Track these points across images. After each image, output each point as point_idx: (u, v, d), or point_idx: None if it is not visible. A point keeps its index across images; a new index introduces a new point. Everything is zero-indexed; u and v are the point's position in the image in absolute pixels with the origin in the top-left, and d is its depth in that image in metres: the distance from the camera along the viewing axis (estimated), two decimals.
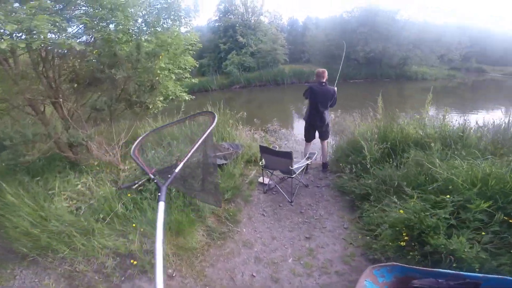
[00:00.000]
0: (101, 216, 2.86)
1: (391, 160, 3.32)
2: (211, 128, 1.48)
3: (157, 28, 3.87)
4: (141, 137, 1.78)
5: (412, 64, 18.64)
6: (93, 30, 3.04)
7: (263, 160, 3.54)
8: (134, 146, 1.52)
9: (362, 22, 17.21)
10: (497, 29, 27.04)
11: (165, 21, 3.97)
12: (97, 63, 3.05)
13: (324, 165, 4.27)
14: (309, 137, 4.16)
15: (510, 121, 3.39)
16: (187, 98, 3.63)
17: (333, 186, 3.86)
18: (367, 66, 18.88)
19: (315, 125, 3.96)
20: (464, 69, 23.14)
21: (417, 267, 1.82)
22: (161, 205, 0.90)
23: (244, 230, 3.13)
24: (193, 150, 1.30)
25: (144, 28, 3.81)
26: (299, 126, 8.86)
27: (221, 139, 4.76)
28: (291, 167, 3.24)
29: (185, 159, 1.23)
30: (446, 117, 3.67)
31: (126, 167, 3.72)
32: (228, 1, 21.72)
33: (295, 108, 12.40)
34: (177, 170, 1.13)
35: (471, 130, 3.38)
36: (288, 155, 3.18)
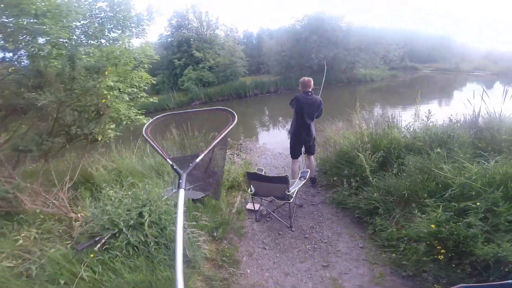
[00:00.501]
0: (62, 282, 1.98)
1: (388, 168, 3.10)
2: (232, 125, 1.41)
3: (101, 40, 3.08)
4: (154, 118, 1.56)
5: (359, 68, 20.22)
6: (17, 43, 2.23)
7: (251, 187, 2.98)
8: (146, 125, 1.34)
9: (312, 30, 18.08)
10: (423, 29, 31.59)
11: (111, 31, 3.20)
12: (15, 84, 2.17)
13: (313, 180, 3.91)
14: (296, 154, 3.74)
15: (476, 113, 3.41)
16: (145, 121, 2.88)
17: (329, 202, 3.50)
18: (321, 73, 19.70)
19: (302, 140, 3.58)
20: (401, 68, 26.13)
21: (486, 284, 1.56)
22: (181, 192, 0.89)
23: (249, 271, 2.54)
24: (215, 142, 1.27)
25: (83, 40, 2.99)
26: (271, 138, 8.54)
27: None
28: (288, 191, 2.76)
29: (207, 151, 1.18)
30: (429, 117, 3.60)
31: (79, 215, 2.80)
32: (181, 16, 21.09)
33: (259, 121, 12.15)
34: (198, 159, 1.07)
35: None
36: (283, 180, 2.69)
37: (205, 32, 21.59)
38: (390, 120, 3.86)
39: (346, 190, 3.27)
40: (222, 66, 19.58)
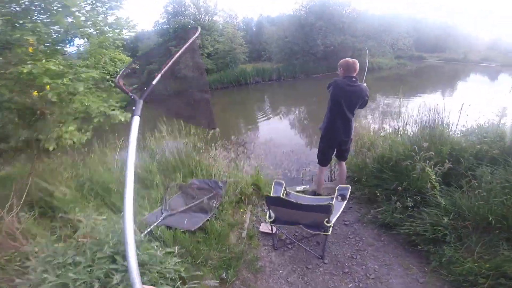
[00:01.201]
0: None
1: (452, 183, 2.32)
2: (194, 37, 1.03)
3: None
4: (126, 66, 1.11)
5: (366, 56, 19.10)
6: None
7: (270, 213, 2.16)
8: (119, 75, 0.97)
9: (317, 16, 16.99)
10: (429, 18, 30.35)
11: None
12: None
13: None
14: (326, 159, 2.91)
15: None
16: (122, 119, 2.03)
17: (368, 222, 2.71)
18: (326, 60, 18.86)
19: (337, 140, 2.73)
20: (407, 57, 25.09)
21: None
22: (136, 119, 0.76)
23: None
24: (173, 60, 0.96)
25: None
26: (279, 132, 7.53)
27: (190, 174, 3.23)
28: (328, 222, 1.95)
29: (163, 71, 0.92)
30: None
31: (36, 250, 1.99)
32: (177, 2, 20.00)
33: (263, 111, 11.20)
34: (154, 82, 0.88)
35: None
36: (324, 209, 1.87)
37: (203, 19, 20.66)
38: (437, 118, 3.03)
39: (395, 209, 2.48)
40: (221, 53, 18.66)
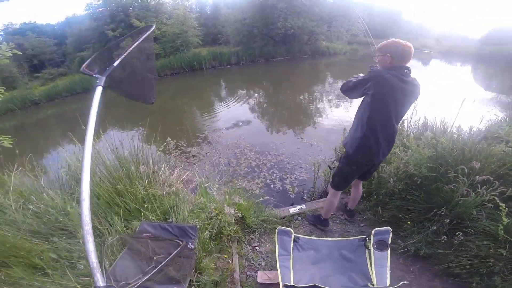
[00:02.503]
0: None
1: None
2: (149, 32, 1.26)
3: None
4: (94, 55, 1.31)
5: (322, 40, 19.21)
6: None
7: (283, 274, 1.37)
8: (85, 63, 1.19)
9: None
10: (375, 5, 32.02)
11: None
12: None
13: (352, 214, 2.53)
14: (347, 185, 2.14)
15: None
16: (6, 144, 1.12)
17: (393, 250, 2.16)
18: (284, 44, 18.34)
19: (373, 161, 1.90)
20: (356, 43, 26.26)
21: None
22: (99, 90, 0.98)
23: None
24: (133, 46, 1.17)
25: None
26: (239, 121, 6.41)
27: (137, 212, 2.17)
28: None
29: (124, 55, 1.14)
30: None
31: None
32: None
33: (220, 95, 9.98)
34: (115, 64, 1.10)
35: None
36: None
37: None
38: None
39: (428, 236, 1.96)
40: (170, 36, 16.45)
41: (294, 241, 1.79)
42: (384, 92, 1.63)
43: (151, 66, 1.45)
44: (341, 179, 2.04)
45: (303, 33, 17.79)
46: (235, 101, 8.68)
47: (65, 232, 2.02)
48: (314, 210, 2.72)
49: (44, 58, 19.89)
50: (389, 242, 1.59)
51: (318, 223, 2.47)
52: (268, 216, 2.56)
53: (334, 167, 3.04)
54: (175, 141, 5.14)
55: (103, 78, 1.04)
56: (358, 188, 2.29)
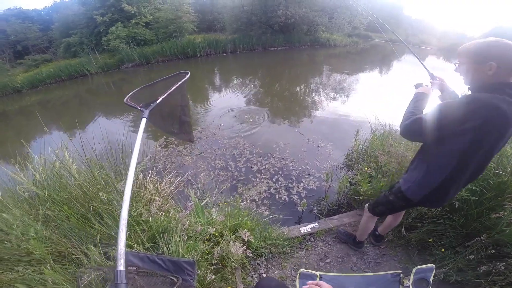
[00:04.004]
0: None
1: None
2: (186, 78, 1.42)
3: None
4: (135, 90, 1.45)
5: (322, 31, 18.63)
6: None
7: None
8: (127, 96, 1.35)
9: None
10: None
11: None
12: None
13: (380, 239, 2.19)
14: (390, 212, 1.78)
15: None
16: None
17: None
18: (283, 33, 17.70)
19: (444, 201, 1.37)
20: (355, 35, 25.69)
21: None
22: (143, 121, 1.11)
23: None
24: (172, 89, 1.32)
25: None
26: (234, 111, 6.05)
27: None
28: None
29: (165, 95, 1.28)
30: None
31: None
32: None
33: (215, 85, 9.42)
34: (158, 101, 1.24)
35: None
36: None
37: None
38: None
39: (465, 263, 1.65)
40: (164, 21, 15.59)
41: (321, 279, 1.43)
42: (493, 130, 1.03)
43: (186, 110, 1.61)
44: (387, 209, 1.65)
45: (303, 23, 17.10)
46: (231, 91, 8.20)
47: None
48: (330, 229, 2.38)
49: (28, 44, 18.72)
50: (431, 280, 1.26)
51: (352, 243, 2.19)
52: (276, 239, 2.20)
53: (356, 183, 2.67)
54: (164, 137, 4.73)
55: (147, 112, 1.16)
56: (399, 216, 1.91)
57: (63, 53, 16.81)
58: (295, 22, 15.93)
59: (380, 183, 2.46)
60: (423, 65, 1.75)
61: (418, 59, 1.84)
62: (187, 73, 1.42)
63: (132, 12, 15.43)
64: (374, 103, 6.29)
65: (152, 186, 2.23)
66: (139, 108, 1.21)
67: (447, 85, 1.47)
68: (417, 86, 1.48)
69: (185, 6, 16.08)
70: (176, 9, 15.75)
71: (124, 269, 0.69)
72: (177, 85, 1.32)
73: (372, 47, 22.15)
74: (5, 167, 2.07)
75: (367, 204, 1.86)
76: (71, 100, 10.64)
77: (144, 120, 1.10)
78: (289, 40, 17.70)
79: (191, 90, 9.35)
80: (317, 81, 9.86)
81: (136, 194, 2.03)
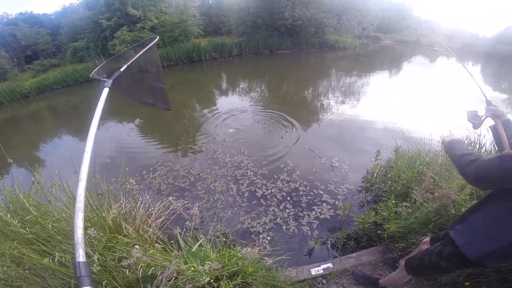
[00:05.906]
0: None
1: None
2: (153, 42, 1.35)
3: None
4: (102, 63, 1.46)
5: (330, 33, 18.13)
6: None
7: None
8: (94, 70, 1.31)
9: None
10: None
11: None
12: None
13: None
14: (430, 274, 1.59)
15: None
16: None
17: None
18: (290, 35, 17.29)
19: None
20: (364, 36, 25.02)
21: None
22: (105, 90, 1.04)
23: None
24: (138, 55, 1.27)
25: None
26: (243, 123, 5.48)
27: None
28: None
29: (130, 62, 1.24)
30: None
31: None
32: None
33: (220, 92, 9.00)
34: (122, 69, 1.20)
35: None
36: None
37: None
38: None
39: None
40: (169, 25, 15.53)
41: None
42: None
43: (159, 76, 1.53)
44: (431, 272, 1.37)
45: (310, 25, 16.66)
46: (236, 95, 7.83)
47: None
48: (345, 269, 1.97)
49: (37, 48, 19.01)
50: None
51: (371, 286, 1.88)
52: (282, 284, 1.81)
53: (381, 223, 2.25)
54: (162, 152, 4.27)
55: (110, 81, 1.12)
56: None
57: (71, 58, 16.96)
58: (302, 24, 15.50)
59: (410, 219, 2.03)
60: (481, 90, 1.35)
61: (475, 81, 1.42)
62: (156, 37, 1.37)
63: (138, 16, 15.40)
64: (395, 111, 5.81)
65: (133, 231, 1.85)
66: (102, 79, 1.15)
67: (502, 111, 1.24)
68: (474, 117, 1.30)
69: (191, 9, 15.94)
70: (182, 12, 15.62)
71: (85, 260, 0.62)
72: (143, 50, 1.26)
73: (388, 48, 21.50)
74: None
75: (405, 261, 1.50)
76: (78, 104, 10.59)
77: (106, 90, 1.04)
78: (296, 43, 17.27)
79: (195, 95, 9.05)
80: (326, 84, 9.39)
81: (112, 239, 1.66)
